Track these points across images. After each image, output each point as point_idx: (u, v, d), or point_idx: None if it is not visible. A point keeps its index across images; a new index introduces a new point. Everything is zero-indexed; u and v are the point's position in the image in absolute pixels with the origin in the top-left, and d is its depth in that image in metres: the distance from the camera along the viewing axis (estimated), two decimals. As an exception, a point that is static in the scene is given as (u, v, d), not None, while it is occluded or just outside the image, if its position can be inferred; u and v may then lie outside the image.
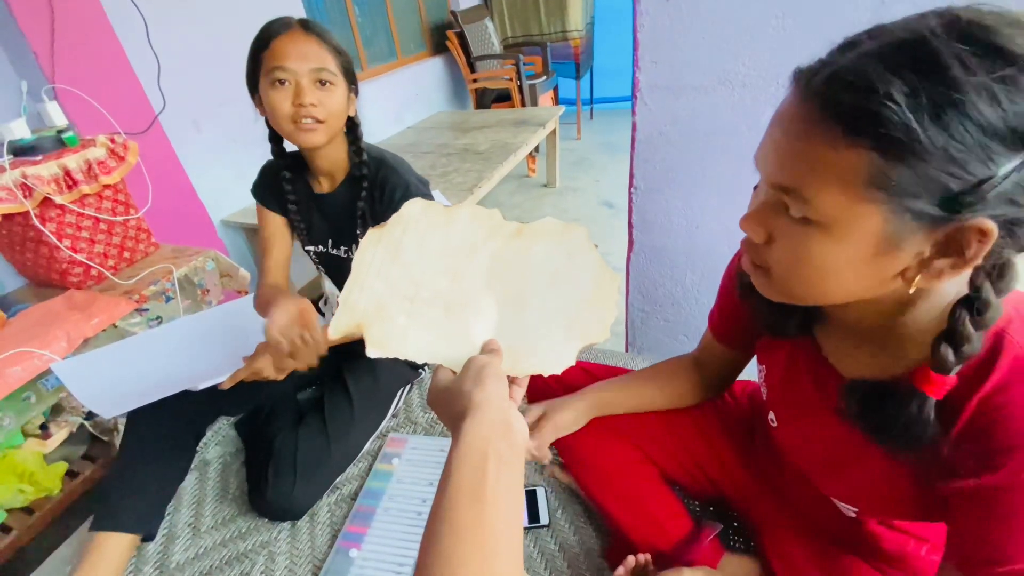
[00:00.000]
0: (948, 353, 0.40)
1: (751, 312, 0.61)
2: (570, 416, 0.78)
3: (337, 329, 0.50)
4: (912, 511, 0.53)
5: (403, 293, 0.51)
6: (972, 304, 0.40)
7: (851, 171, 0.36)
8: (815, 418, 0.58)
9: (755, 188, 0.48)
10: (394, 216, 0.51)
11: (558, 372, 0.51)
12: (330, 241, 1.10)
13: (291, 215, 1.06)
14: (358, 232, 1.03)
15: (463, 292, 0.52)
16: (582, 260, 0.53)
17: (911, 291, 0.40)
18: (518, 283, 0.53)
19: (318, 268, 1.19)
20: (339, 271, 1.15)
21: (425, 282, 0.52)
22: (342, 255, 1.10)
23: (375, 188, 0.99)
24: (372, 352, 0.50)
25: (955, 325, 0.40)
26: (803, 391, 0.59)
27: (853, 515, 0.60)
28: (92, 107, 1.60)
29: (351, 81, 0.94)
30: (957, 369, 0.41)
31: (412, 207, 0.51)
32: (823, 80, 0.37)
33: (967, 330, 0.40)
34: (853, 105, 0.35)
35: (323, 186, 1.04)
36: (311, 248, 1.12)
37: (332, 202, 1.04)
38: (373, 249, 0.51)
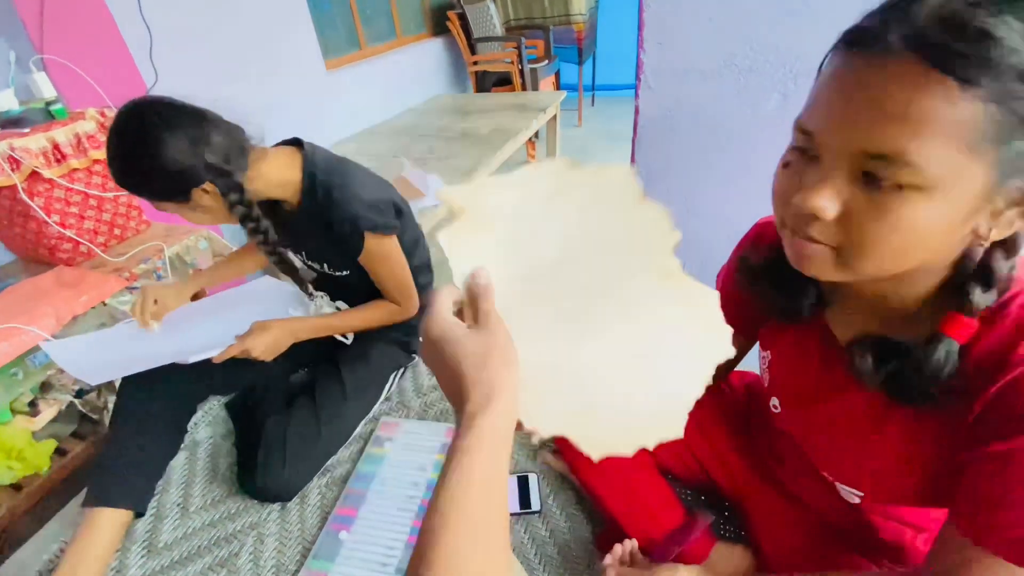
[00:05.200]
0: (977, 292, 0.41)
1: (757, 299, 0.59)
2: None
3: None
4: (920, 495, 0.52)
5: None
6: (1006, 244, 0.41)
7: (967, 126, 0.33)
8: (824, 402, 0.57)
9: (785, 165, 0.44)
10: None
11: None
12: (304, 254, 1.09)
13: (271, 243, 0.98)
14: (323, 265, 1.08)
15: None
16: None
17: (986, 244, 0.40)
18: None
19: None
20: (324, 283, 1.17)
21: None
22: (319, 269, 1.10)
23: (322, 225, 0.95)
24: None
25: (990, 264, 0.41)
26: (812, 374, 0.58)
27: (856, 501, 0.59)
28: (82, 79, 1.56)
29: (194, 186, 0.95)
30: (981, 311, 0.42)
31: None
32: (925, 29, 0.34)
33: (1000, 268, 0.41)
34: (969, 53, 0.33)
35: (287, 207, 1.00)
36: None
37: (297, 221, 0.99)
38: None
